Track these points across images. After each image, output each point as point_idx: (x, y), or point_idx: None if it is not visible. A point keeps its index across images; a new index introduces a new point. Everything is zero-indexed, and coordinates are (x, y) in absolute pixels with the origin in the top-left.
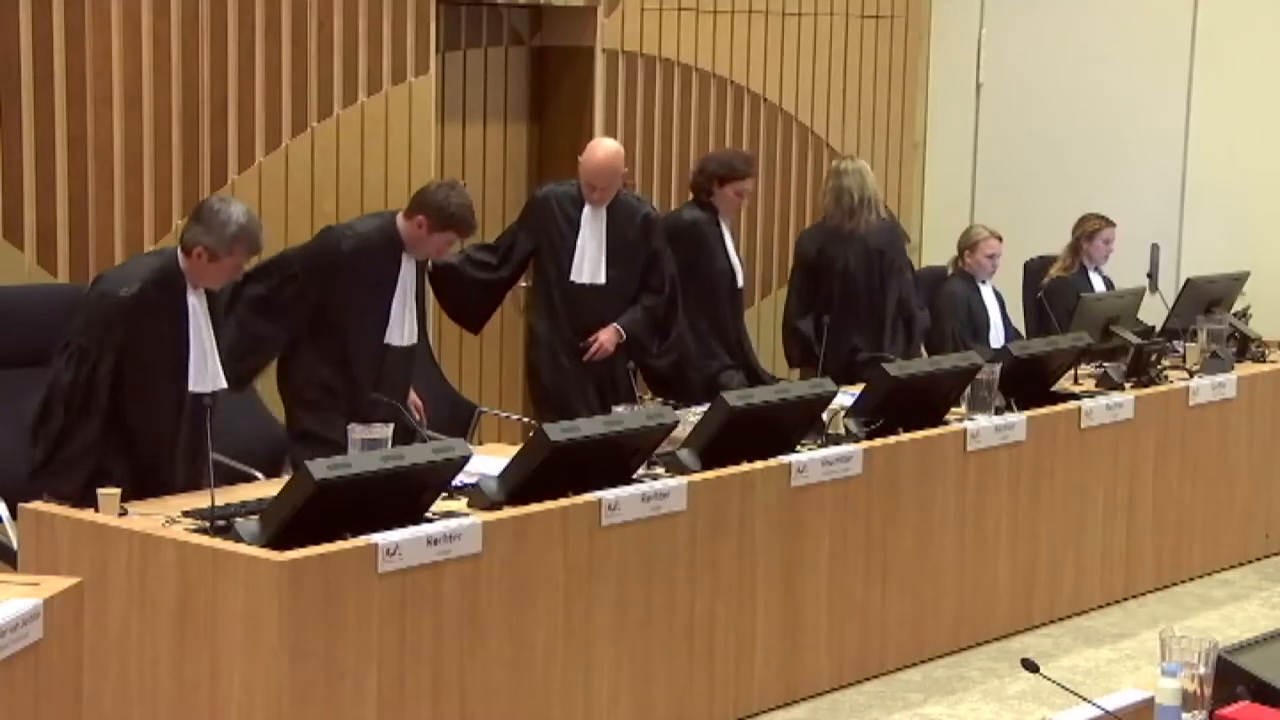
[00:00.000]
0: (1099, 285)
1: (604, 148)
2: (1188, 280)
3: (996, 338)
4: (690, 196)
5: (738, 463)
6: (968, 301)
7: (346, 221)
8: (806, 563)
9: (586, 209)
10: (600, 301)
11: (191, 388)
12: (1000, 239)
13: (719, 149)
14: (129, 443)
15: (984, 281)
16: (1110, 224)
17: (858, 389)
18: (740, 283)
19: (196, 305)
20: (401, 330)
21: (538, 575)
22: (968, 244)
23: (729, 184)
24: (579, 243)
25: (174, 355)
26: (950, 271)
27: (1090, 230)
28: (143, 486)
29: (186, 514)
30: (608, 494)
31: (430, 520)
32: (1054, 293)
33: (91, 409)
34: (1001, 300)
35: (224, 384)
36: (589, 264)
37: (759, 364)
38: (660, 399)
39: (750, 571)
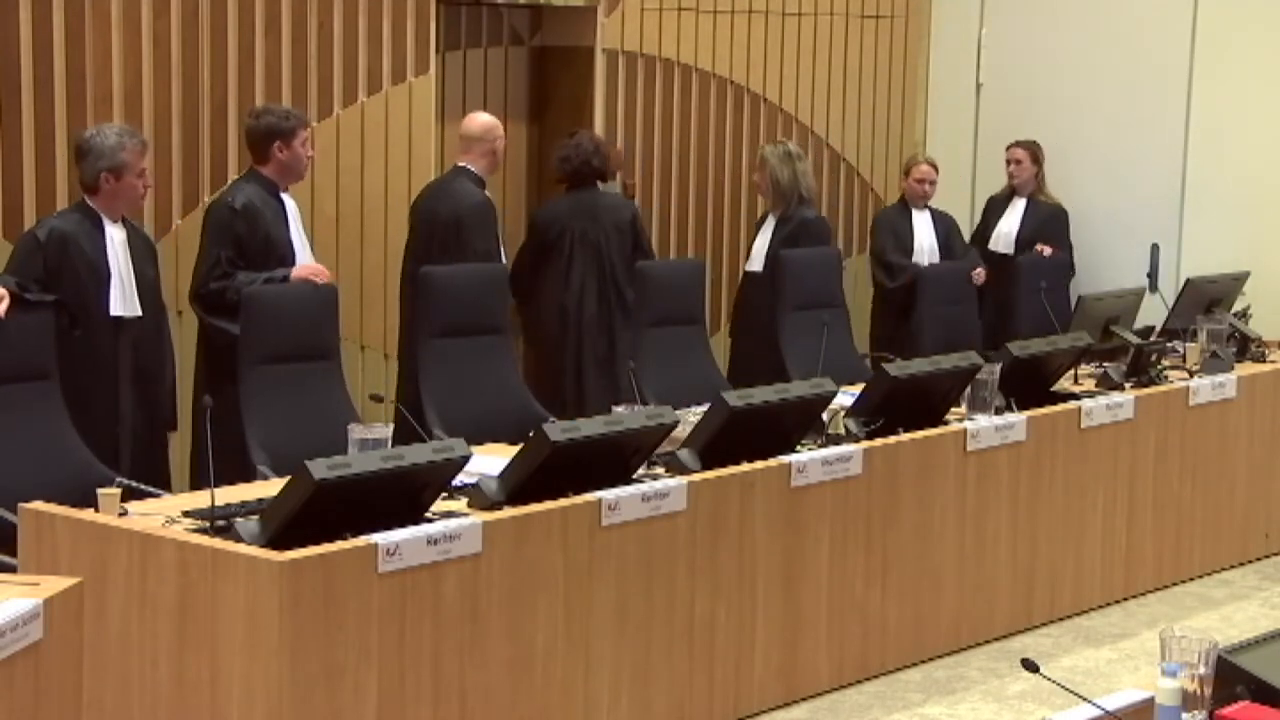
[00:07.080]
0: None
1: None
2: (1188, 280)
3: None
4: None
5: (738, 463)
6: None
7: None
8: (807, 563)
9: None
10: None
11: (113, 312)
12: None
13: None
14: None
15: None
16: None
17: (857, 388)
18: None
19: (114, 236)
20: (304, 260)
21: (538, 575)
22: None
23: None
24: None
25: (100, 284)
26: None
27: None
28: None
29: (187, 514)
30: (608, 494)
31: (430, 520)
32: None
33: None
34: None
35: (140, 311)
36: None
37: None
38: None
39: (750, 571)
